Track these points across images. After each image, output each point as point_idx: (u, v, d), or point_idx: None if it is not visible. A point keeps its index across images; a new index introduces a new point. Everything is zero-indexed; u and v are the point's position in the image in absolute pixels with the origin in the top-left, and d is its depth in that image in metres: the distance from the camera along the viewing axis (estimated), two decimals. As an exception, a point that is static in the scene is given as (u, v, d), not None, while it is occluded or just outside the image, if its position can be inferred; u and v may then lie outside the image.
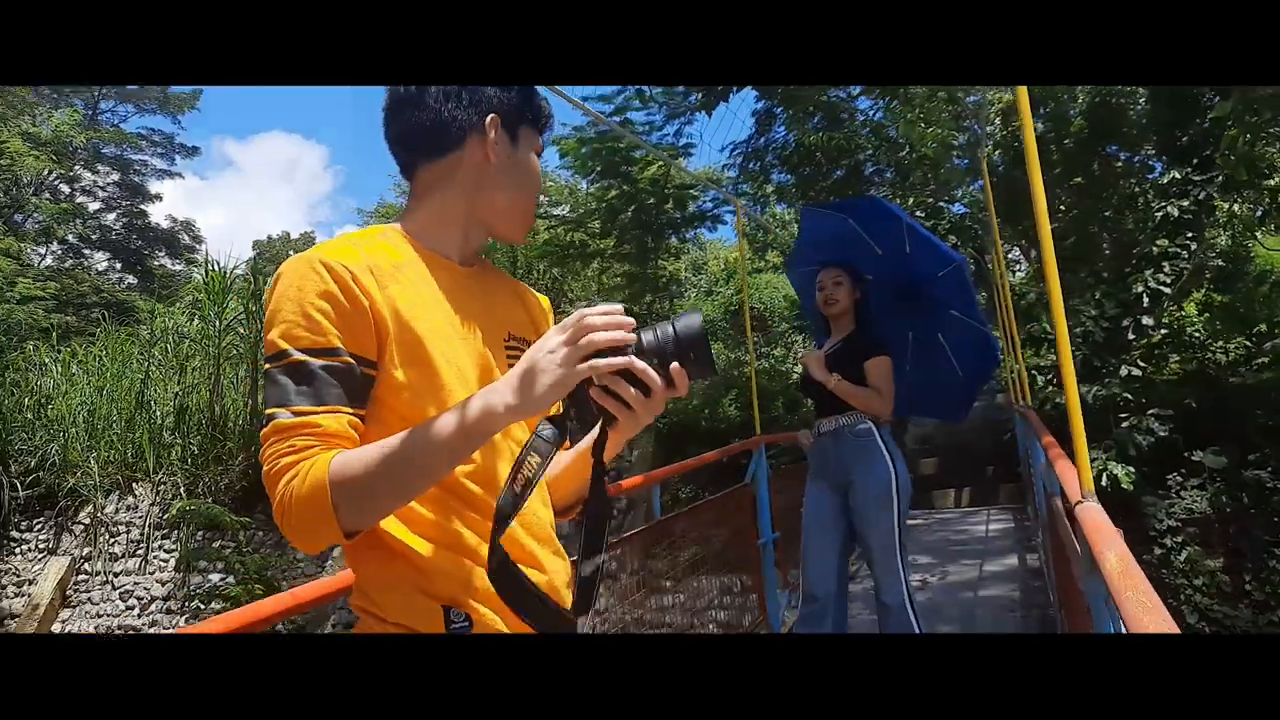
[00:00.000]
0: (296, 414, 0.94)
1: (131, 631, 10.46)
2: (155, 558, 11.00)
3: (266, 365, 0.98)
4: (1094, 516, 1.60)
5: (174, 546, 10.91)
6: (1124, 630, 1.09)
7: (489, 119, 1.14)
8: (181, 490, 11.13)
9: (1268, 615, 7.33)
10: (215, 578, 10.47)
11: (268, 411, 0.96)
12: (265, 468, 0.94)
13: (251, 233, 65.17)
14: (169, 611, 10.58)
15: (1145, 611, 1.02)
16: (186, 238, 28.40)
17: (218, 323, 12.57)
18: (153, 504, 11.32)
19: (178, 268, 27.66)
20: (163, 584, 10.81)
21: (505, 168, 1.16)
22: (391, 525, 1.00)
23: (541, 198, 17.73)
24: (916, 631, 3.22)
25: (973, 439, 11.07)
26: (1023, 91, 1.99)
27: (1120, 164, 11.65)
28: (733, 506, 4.91)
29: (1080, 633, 2.49)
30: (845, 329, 3.49)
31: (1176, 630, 0.95)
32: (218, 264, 13.39)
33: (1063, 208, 11.14)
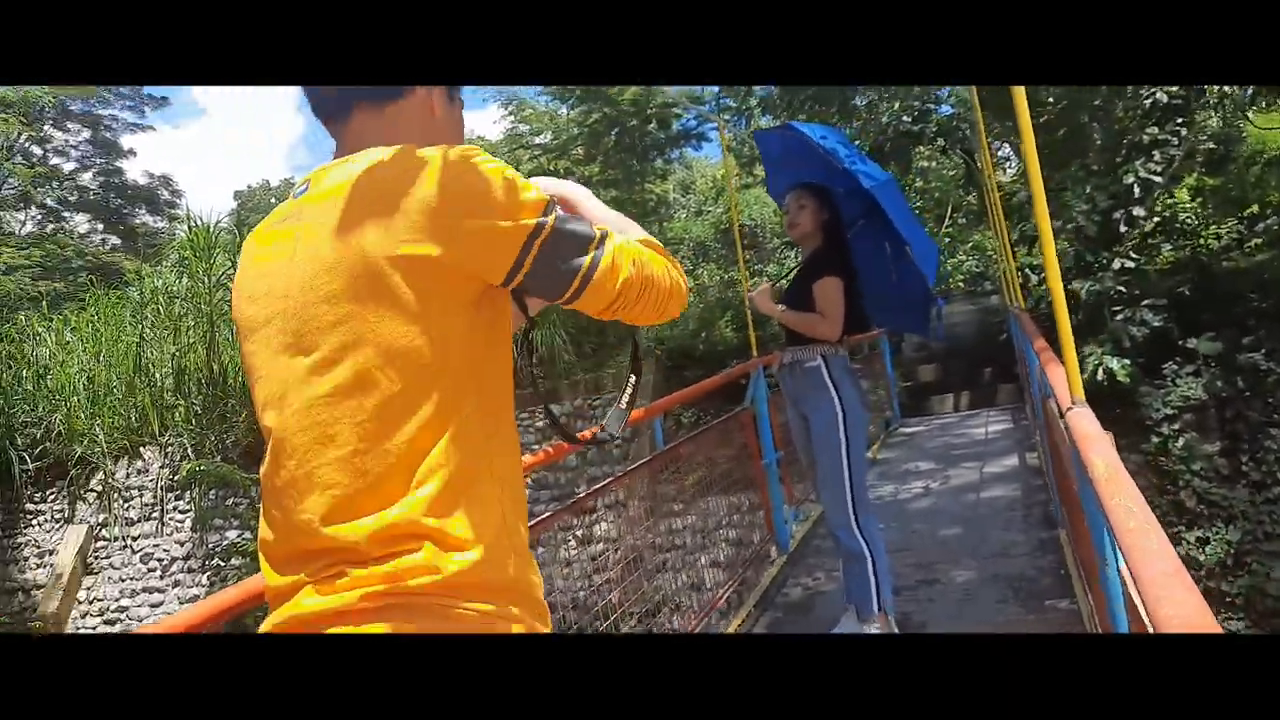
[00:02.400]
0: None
1: (158, 593, 10.70)
2: (171, 519, 11.17)
3: (548, 221, 0.98)
4: (1083, 423, 1.62)
5: (188, 507, 11.07)
6: (1112, 534, 1.13)
7: (434, 93, 1.13)
8: (189, 451, 11.23)
9: (1264, 494, 7.49)
10: (232, 535, 10.65)
11: (598, 229, 1.03)
12: (634, 270, 1.04)
13: (230, 181, 64.08)
14: (190, 570, 10.81)
15: (1130, 516, 1.04)
16: (166, 193, 27.96)
17: (207, 280, 12.51)
18: (162, 466, 11.44)
19: (160, 225, 27.33)
20: (181, 544, 11.01)
21: (447, 121, 1.15)
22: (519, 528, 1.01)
23: (522, 127, 17.38)
24: (866, 554, 3.28)
25: (969, 342, 11.12)
26: (1019, 92, 1.92)
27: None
28: (735, 429, 4.96)
29: (1067, 633, 2.55)
30: (810, 249, 3.46)
31: (1163, 538, 0.97)
32: (201, 220, 13.25)
33: (1050, 99, 10.94)
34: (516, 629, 0.93)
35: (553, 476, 10.39)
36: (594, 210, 1.18)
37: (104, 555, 11.32)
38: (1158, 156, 8.22)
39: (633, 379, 1.28)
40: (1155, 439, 7.92)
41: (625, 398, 1.25)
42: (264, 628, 0.95)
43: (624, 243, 1.06)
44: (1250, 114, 12.53)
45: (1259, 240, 9.84)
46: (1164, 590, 0.84)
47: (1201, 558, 7.39)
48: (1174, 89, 8.28)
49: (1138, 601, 1.16)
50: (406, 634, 0.86)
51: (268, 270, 1.02)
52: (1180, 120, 8.45)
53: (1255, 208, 10.54)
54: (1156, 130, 8.30)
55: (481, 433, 0.97)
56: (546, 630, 0.98)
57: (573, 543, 9.55)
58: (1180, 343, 8.17)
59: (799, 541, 5.09)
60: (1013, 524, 4.91)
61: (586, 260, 1.00)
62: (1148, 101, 8.32)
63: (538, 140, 17.13)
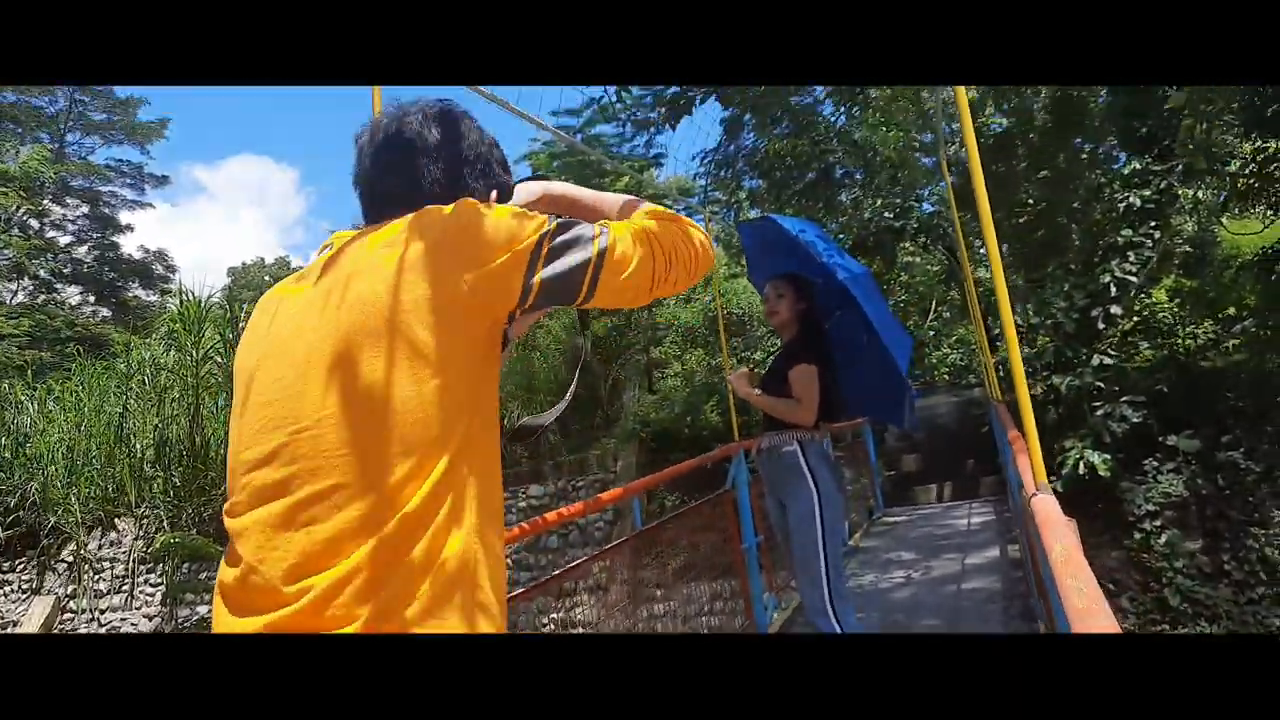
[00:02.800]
0: None
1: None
2: (141, 592, 10.92)
3: (546, 233, 1.04)
4: (1045, 508, 1.66)
5: (159, 580, 10.84)
6: (1066, 618, 1.15)
7: (492, 195, 1.20)
8: (165, 523, 11.06)
9: (1247, 594, 7.45)
10: (203, 610, 10.39)
11: (597, 226, 1.08)
12: (648, 248, 1.09)
13: (225, 259, 64.63)
14: (157, 646, 10.48)
15: (1082, 598, 1.07)
16: (160, 268, 28.23)
17: (195, 352, 12.53)
18: (136, 538, 11.24)
19: (152, 298, 27.48)
20: (149, 619, 10.72)
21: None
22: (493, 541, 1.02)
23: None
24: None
25: (953, 433, 11.19)
26: (961, 92, 2.04)
27: (1086, 155, 11.83)
28: (716, 513, 4.96)
29: (1051, 633, 2.55)
30: (788, 337, 3.55)
31: (1110, 616, 1.00)
32: (192, 294, 13.35)
33: (1030, 201, 11.29)
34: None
35: (532, 558, 10.26)
36: (589, 200, 1.26)
37: (70, 628, 11.00)
38: (1133, 257, 8.45)
39: (572, 387, 1.35)
40: (1138, 535, 7.92)
41: (565, 399, 1.32)
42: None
43: (627, 226, 1.10)
44: (1224, 219, 12.96)
45: (1236, 341, 10.04)
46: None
47: (1186, 658, 7.29)
48: (1146, 193, 8.58)
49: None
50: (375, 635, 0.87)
51: (278, 318, 1.06)
52: (1154, 223, 8.72)
53: (1232, 309, 10.80)
54: (1131, 232, 8.56)
55: (471, 484, 0.98)
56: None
57: (551, 627, 9.36)
58: (1160, 439, 8.25)
59: (778, 628, 5.02)
60: (991, 617, 4.87)
61: (591, 258, 1.05)
62: (1122, 205, 8.60)
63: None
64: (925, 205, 11.29)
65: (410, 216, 1.03)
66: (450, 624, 0.91)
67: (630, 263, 1.07)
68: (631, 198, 1.30)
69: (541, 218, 1.05)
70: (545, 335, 14.17)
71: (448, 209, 1.03)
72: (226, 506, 1.01)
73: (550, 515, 3.22)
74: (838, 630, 3.31)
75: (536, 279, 1.02)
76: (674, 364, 15.57)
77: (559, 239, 1.04)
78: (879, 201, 10.88)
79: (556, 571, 3.68)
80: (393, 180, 1.14)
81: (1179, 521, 7.97)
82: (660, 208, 1.20)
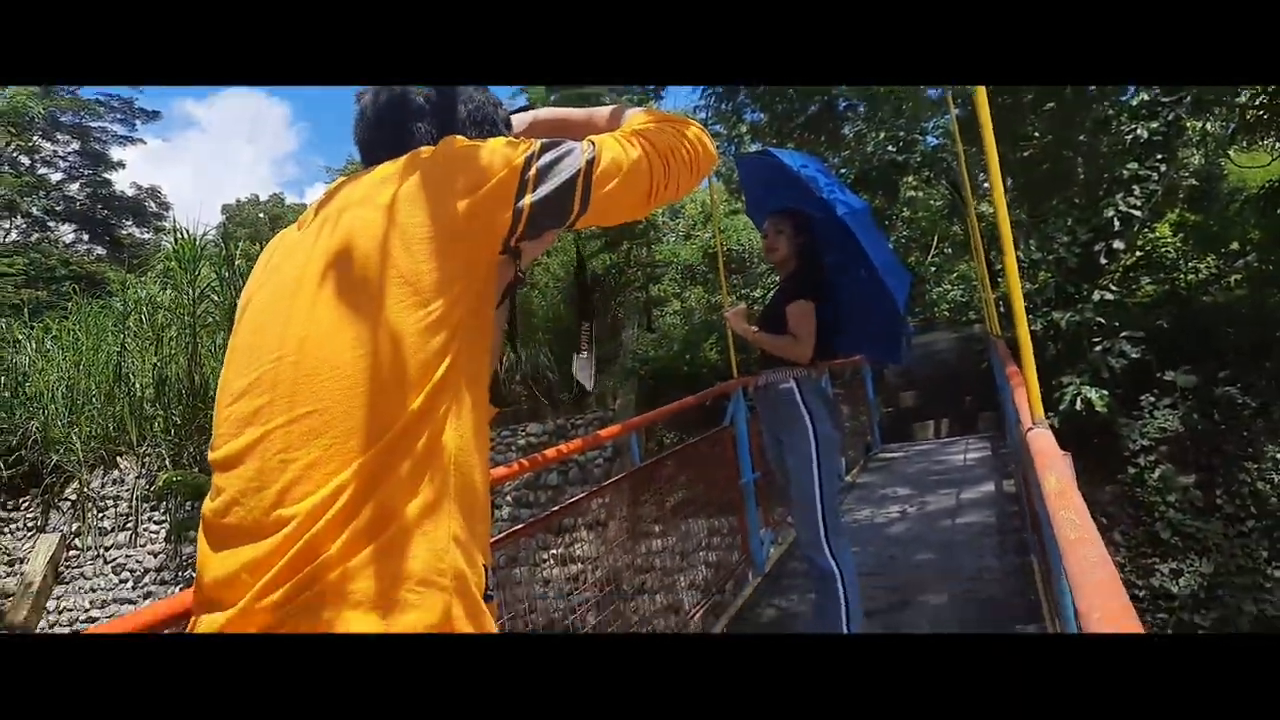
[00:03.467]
0: None
1: (129, 605, 10.56)
2: (145, 530, 11.06)
3: (533, 155, 1.02)
4: (1041, 441, 1.64)
5: (163, 518, 10.97)
6: (1058, 548, 1.14)
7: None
8: (166, 461, 11.15)
9: (1238, 527, 7.54)
10: (207, 546, 10.54)
11: (585, 141, 1.05)
12: (640, 154, 1.05)
13: (218, 195, 63.95)
14: (163, 583, 10.68)
15: (1074, 529, 1.06)
16: (153, 205, 27.96)
17: (191, 291, 12.47)
18: (138, 477, 11.34)
19: (146, 236, 27.28)
20: (155, 555, 10.89)
21: None
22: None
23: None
24: (838, 575, 3.27)
25: (952, 369, 11.20)
26: (981, 92, 1.96)
27: (1094, 87, 11.59)
28: (715, 450, 4.97)
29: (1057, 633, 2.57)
30: (787, 273, 3.50)
31: (1101, 548, 0.99)
32: (188, 232, 13.22)
33: (1036, 134, 11.10)
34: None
35: (532, 495, 10.36)
36: (579, 118, 1.24)
37: (76, 565, 11.18)
38: (1138, 191, 8.33)
39: (585, 325, 1.34)
40: (1132, 470, 7.98)
41: (584, 344, 1.30)
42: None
43: (616, 136, 1.08)
44: (1231, 152, 12.76)
45: (1237, 276, 9.97)
46: (1096, 597, 0.85)
47: (1175, 589, 7.43)
48: (1154, 125, 8.42)
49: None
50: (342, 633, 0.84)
51: (276, 253, 1.07)
52: (1161, 156, 8.58)
53: (1235, 244, 10.70)
54: (1137, 166, 8.43)
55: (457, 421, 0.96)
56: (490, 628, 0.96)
57: (550, 562, 9.50)
58: (1158, 375, 8.25)
59: (774, 563, 5.08)
60: (986, 550, 4.93)
61: (580, 169, 1.02)
62: (1129, 137, 8.45)
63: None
64: (929, 139, 11.09)
65: (405, 156, 1.03)
66: (422, 556, 0.89)
67: (621, 169, 1.04)
68: (620, 106, 1.27)
69: (528, 142, 1.03)
70: (544, 273, 14.09)
71: (440, 145, 1.03)
72: (211, 441, 0.99)
73: (550, 452, 3.22)
74: (833, 565, 3.34)
75: (526, 202, 0.99)
76: (673, 301, 15.51)
77: (544, 158, 1.01)
78: (882, 134, 10.69)
79: (555, 508, 3.71)
80: (390, 137, 1.13)
81: (1173, 456, 8.02)
82: (652, 110, 1.16)
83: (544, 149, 1.02)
